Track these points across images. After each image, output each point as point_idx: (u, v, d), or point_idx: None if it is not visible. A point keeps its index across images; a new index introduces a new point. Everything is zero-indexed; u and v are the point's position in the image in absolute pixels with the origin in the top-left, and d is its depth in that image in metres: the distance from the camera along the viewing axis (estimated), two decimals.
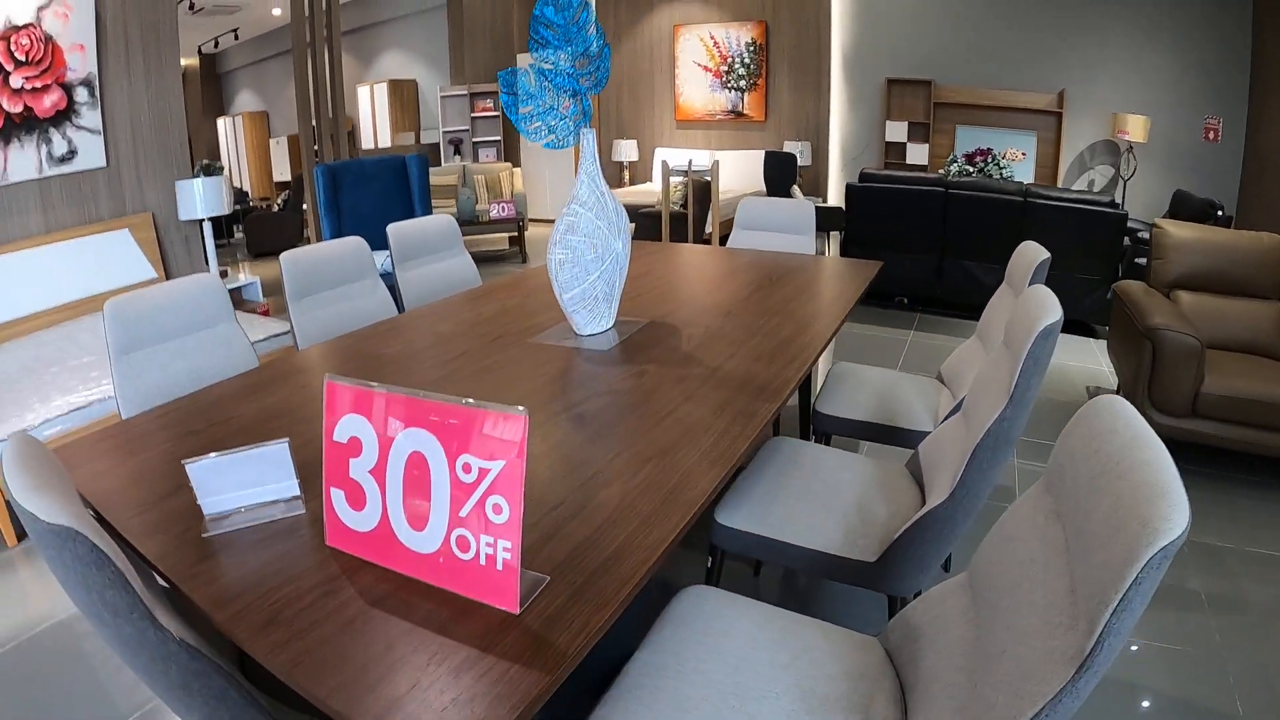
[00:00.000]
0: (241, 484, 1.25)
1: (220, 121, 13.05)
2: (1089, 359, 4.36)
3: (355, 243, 2.80)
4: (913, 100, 7.70)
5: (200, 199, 4.75)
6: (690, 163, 5.29)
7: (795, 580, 2.50)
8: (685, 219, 5.59)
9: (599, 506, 1.24)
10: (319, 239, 5.36)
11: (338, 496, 1.10)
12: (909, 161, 7.64)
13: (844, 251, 5.55)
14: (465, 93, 9.08)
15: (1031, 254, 2.18)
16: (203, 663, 1.00)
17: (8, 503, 2.91)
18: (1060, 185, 7.38)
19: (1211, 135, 6.87)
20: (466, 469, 0.94)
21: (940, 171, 6.23)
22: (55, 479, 1.09)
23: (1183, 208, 5.87)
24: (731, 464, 1.36)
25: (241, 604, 1.03)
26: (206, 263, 5.22)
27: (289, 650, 0.94)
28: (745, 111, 8.43)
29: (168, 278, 5.05)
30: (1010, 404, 1.53)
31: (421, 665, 0.89)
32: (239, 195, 9.97)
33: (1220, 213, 5.47)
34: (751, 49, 8.24)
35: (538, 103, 1.85)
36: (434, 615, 0.98)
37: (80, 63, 4.55)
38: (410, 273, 3.00)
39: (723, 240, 7.41)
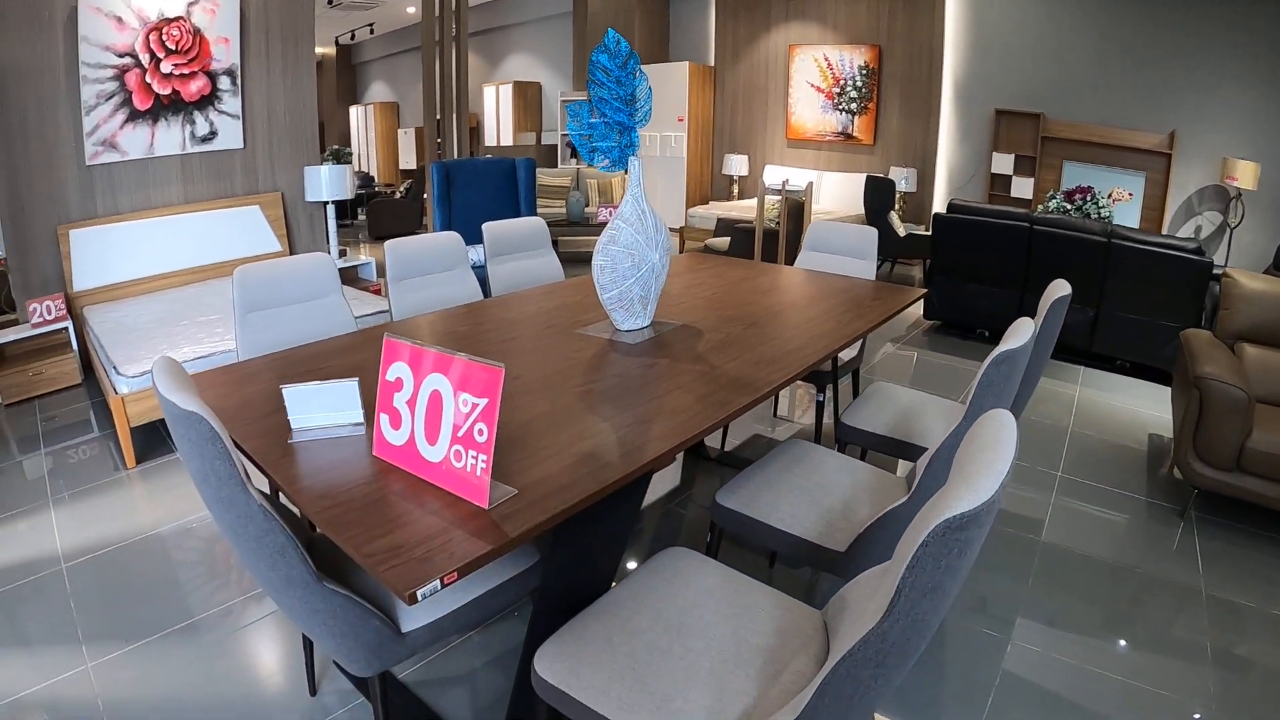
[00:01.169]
0: (321, 408, 1.64)
1: (353, 110, 13.98)
2: (1158, 407, 4.38)
3: (452, 237, 3.21)
4: (1020, 133, 7.69)
5: (325, 183, 5.28)
6: (785, 182, 5.51)
7: (803, 576, 2.75)
8: (778, 237, 5.82)
9: (575, 453, 1.57)
10: (434, 228, 5.86)
11: (384, 419, 1.50)
12: (1013, 194, 7.62)
13: (928, 280, 5.68)
14: (585, 98, 9.52)
15: (1052, 290, 2.36)
16: (272, 523, 1.38)
17: (133, 430, 3.46)
18: (1165, 230, 7.23)
19: None
20: (465, 403, 1.31)
21: (1040, 208, 6.22)
22: (189, 390, 1.49)
23: None
24: (686, 438, 1.64)
25: (306, 483, 1.45)
26: (327, 241, 5.79)
27: (330, 512, 1.35)
28: (855, 134, 8.58)
29: (291, 252, 5.62)
30: (964, 421, 1.75)
31: (415, 528, 1.28)
32: (365, 180, 10.70)
33: None
34: (864, 72, 8.39)
35: (597, 132, 2.21)
36: (432, 503, 1.37)
37: (224, 54, 5.15)
38: (500, 267, 3.38)
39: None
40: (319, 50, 13.42)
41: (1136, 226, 6.58)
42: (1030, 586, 2.72)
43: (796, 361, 2.15)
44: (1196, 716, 2.10)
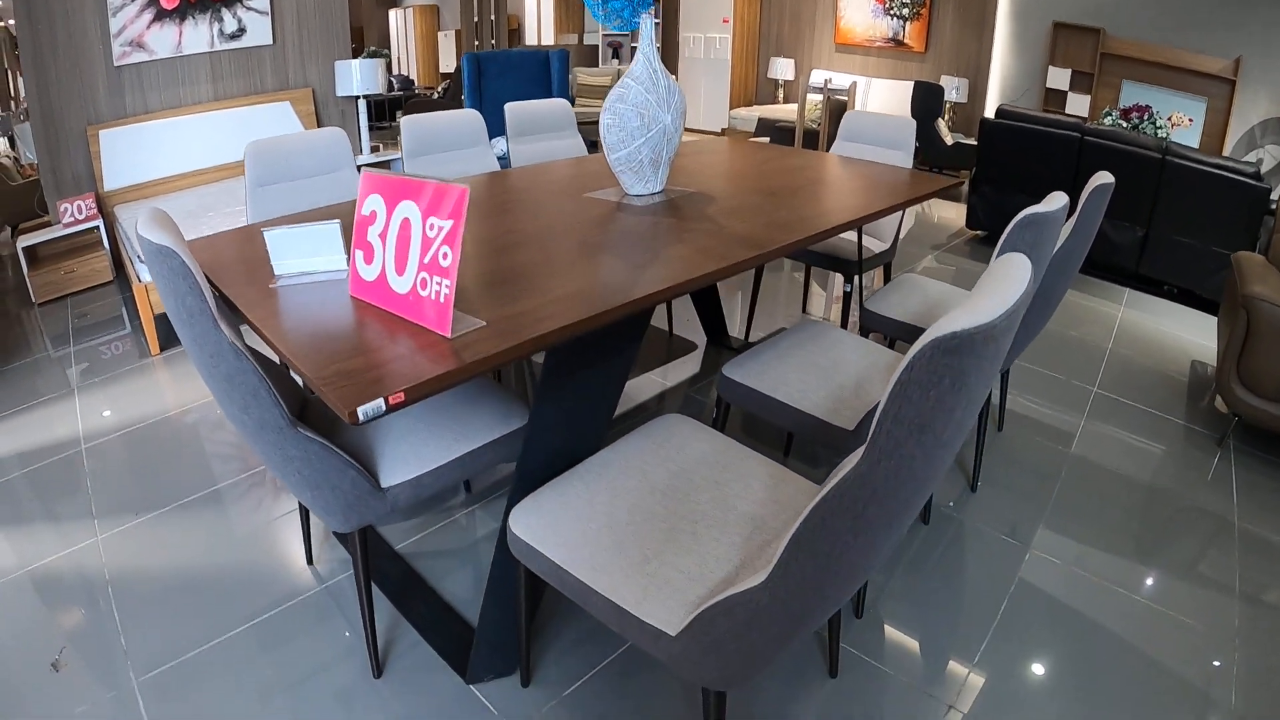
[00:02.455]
0: (303, 252, 1.57)
1: (392, 13, 13.65)
2: (1204, 335, 4.15)
3: (471, 114, 3.09)
4: (1079, 48, 7.23)
5: (357, 78, 5.18)
6: (827, 82, 5.26)
7: (819, 472, 2.67)
8: (818, 138, 5.61)
9: (555, 294, 1.49)
10: None
11: (358, 255, 1.43)
12: (1068, 111, 7.22)
13: (973, 189, 5.41)
14: None
15: (1095, 179, 2.20)
16: (244, 363, 1.33)
17: (155, 317, 3.47)
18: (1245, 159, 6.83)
19: None
20: (431, 227, 1.22)
21: (1095, 124, 5.88)
22: (171, 232, 1.44)
23: None
24: (678, 283, 1.55)
25: (283, 320, 1.40)
26: (359, 136, 5.70)
27: (299, 340, 1.31)
28: (906, 41, 8.16)
29: None
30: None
31: (374, 356, 1.23)
32: (405, 83, 10.50)
33: None
34: None
35: None
36: (398, 334, 1.31)
37: None
38: (522, 147, 3.28)
39: None
40: None
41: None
42: (1056, 498, 2.61)
43: (810, 226, 2.02)
44: (1216, 663, 1.96)
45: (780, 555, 1.01)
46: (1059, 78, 7.35)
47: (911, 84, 7.56)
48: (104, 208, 4.52)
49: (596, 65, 9.28)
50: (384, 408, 1.04)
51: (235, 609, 2.02)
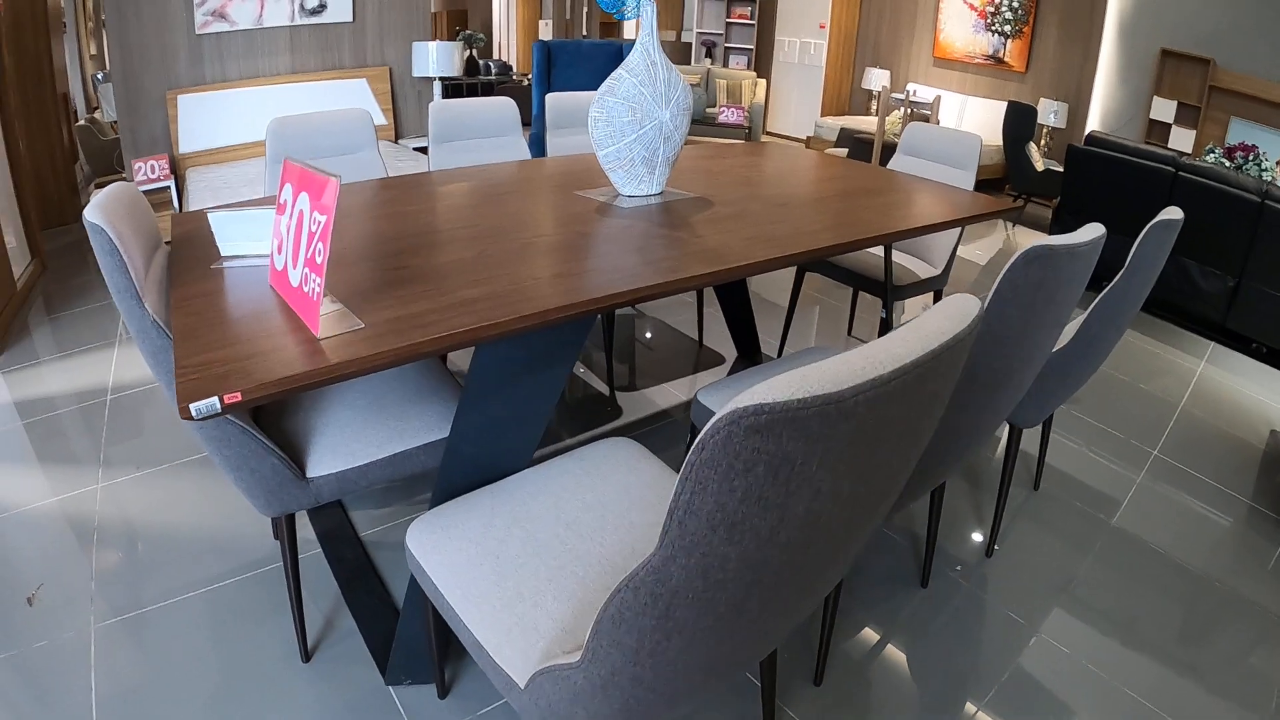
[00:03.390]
0: (246, 236, 1.55)
1: None
2: None
3: (503, 102, 3.06)
4: (1186, 79, 6.74)
5: (433, 59, 5.24)
6: (909, 93, 5.06)
7: None
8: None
9: (461, 297, 1.39)
10: (533, 109, 5.73)
11: (274, 245, 1.37)
12: (1170, 146, 6.76)
13: (1056, 219, 5.11)
14: None
15: (1163, 214, 2.02)
16: (166, 341, 1.37)
17: None
18: None
19: None
20: (315, 222, 1.16)
21: (1196, 160, 5.44)
22: (127, 211, 1.46)
23: None
24: (592, 298, 1.42)
25: (193, 302, 1.37)
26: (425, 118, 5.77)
27: (191, 323, 1.28)
28: (1006, 59, 7.78)
29: (396, 126, 5.65)
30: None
31: (244, 348, 1.18)
32: (503, 68, 10.60)
33: None
34: None
35: None
36: (284, 328, 1.25)
37: None
38: (561, 139, 3.24)
39: None
40: None
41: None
42: (1083, 575, 2.31)
43: (801, 244, 1.85)
44: None
45: (588, 640, 0.89)
46: (1163, 109, 6.88)
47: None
48: (177, 169, 4.68)
49: (689, 64, 9.20)
50: (219, 407, 0.99)
51: (199, 572, 2.06)
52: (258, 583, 2.02)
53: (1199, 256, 4.51)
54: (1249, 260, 4.33)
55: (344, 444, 1.60)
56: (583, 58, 5.33)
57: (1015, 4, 7.59)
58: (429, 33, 5.70)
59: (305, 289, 1.20)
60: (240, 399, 0.99)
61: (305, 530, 2.22)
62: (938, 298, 3.27)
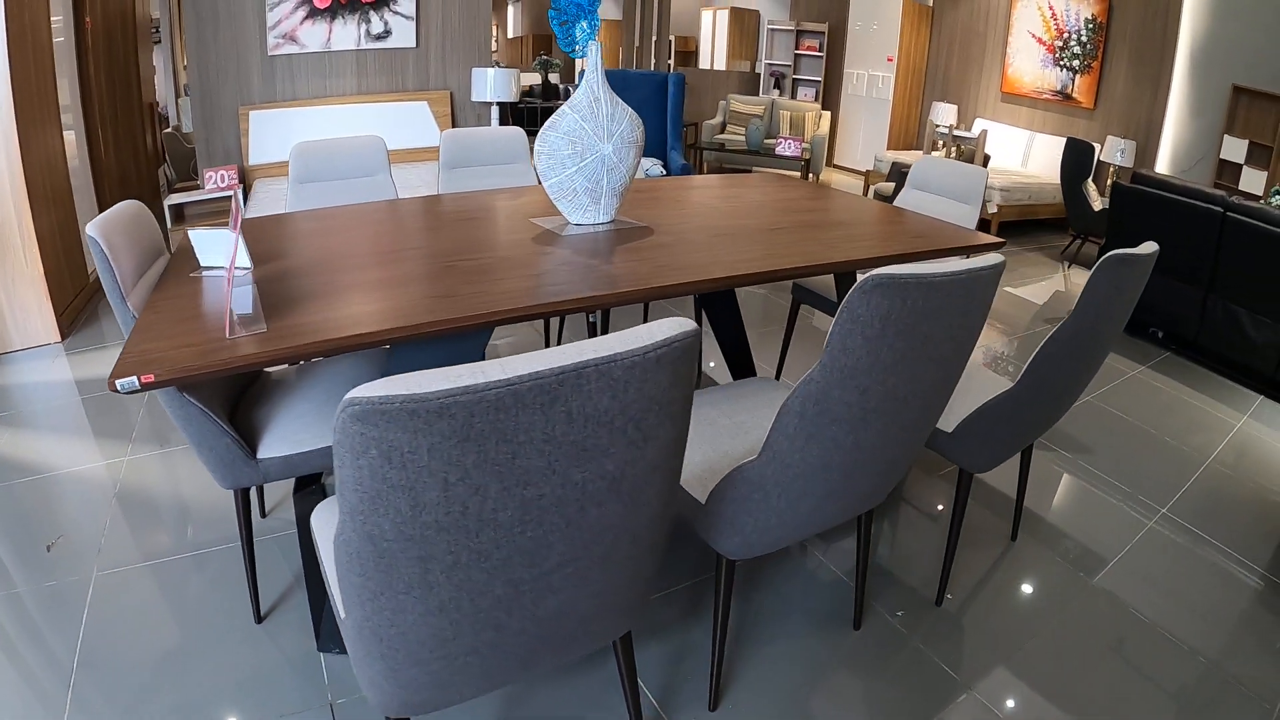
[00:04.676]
0: (220, 251, 1.81)
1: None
2: None
3: (512, 133, 3.24)
4: (1261, 116, 6.46)
5: (491, 85, 5.51)
6: (952, 126, 5.08)
7: None
8: None
9: (360, 310, 1.61)
10: None
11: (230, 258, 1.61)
12: (1241, 187, 6.50)
13: (1099, 258, 4.98)
14: (792, 28, 9.20)
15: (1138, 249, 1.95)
16: None
17: None
18: None
19: None
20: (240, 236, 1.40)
21: (1262, 202, 5.19)
22: (125, 226, 1.75)
23: None
24: (454, 317, 1.56)
25: (164, 301, 1.63)
26: None
27: (151, 319, 1.51)
28: (1074, 95, 7.64)
29: None
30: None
31: (179, 340, 1.41)
32: (568, 95, 10.92)
33: None
34: (1090, 26, 7.39)
35: (566, 14, 2.17)
36: (215, 327, 1.47)
37: None
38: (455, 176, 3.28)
39: (1004, 227, 6.99)
40: None
41: None
42: (1043, 636, 2.14)
43: (709, 272, 1.94)
44: None
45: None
46: (1234, 148, 6.62)
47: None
48: (246, 180, 5.09)
49: (756, 95, 9.34)
50: (137, 384, 1.22)
51: (193, 538, 2.36)
52: (236, 554, 2.25)
53: (1249, 304, 4.33)
54: None
55: (294, 432, 1.81)
56: (630, 86, 5.53)
57: (1084, 38, 7.49)
58: (490, 59, 6.02)
59: (229, 296, 1.44)
60: (153, 380, 1.24)
61: (288, 511, 2.48)
62: None
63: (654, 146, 5.66)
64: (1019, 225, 7.34)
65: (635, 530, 1.16)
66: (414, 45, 5.68)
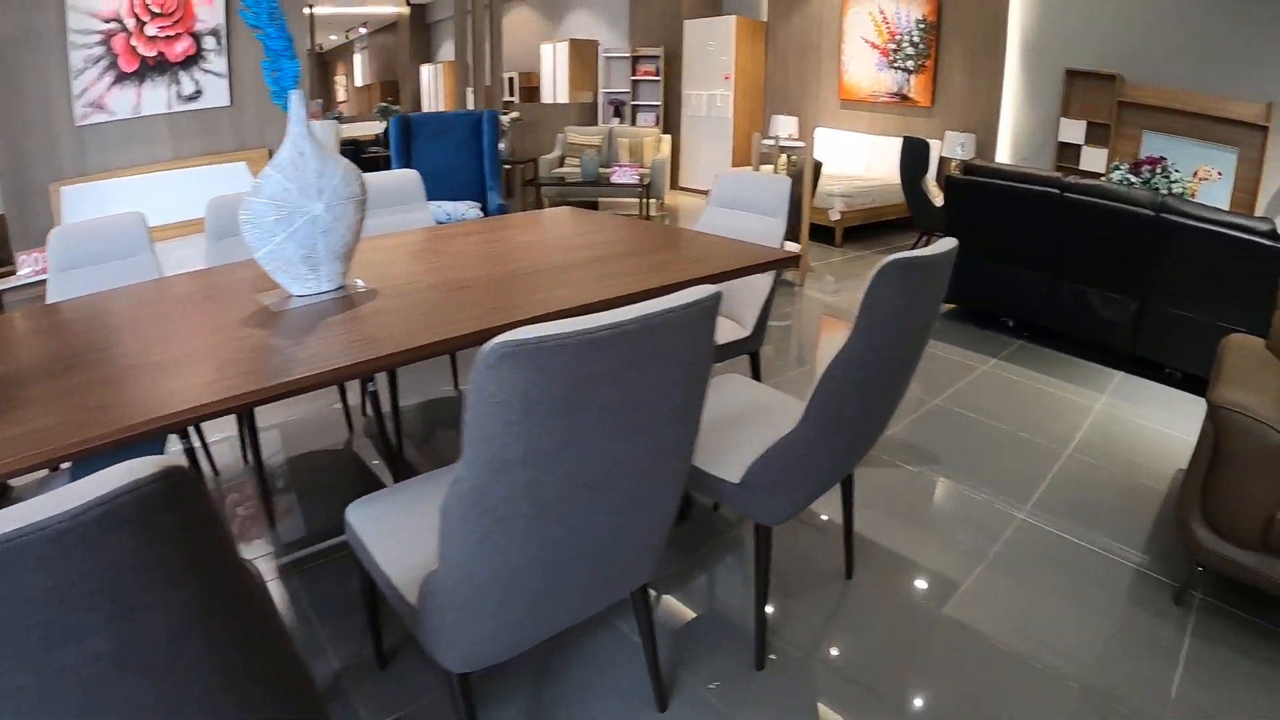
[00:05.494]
0: None
1: (424, 68, 13.95)
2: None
3: (408, 175, 3.26)
4: (1095, 97, 6.68)
5: None
6: (778, 138, 4.94)
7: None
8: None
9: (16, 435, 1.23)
10: None
11: None
12: (1082, 166, 6.66)
13: None
14: (627, 55, 9.09)
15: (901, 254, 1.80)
16: None
17: None
18: (1261, 215, 6.14)
19: None
20: None
21: (1104, 179, 5.22)
22: None
23: None
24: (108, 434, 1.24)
25: None
26: None
27: None
28: (911, 95, 7.73)
29: None
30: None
31: None
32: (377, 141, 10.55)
33: None
34: (922, 27, 7.50)
35: (269, 59, 1.86)
36: None
37: (209, 14, 5.14)
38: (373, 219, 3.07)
39: (850, 232, 6.93)
40: (393, 10, 13.49)
41: (1226, 208, 5.45)
42: (880, 693, 1.88)
43: (405, 343, 1.61)
44: None
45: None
46: (1072, 130, 6.81)
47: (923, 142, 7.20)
48: None
49: (596, 124, 9.17)
50: None
51: None
52: None
53: (1098, 282, 4.30)
54: (1151, 280, 4.11)
55: None
56: (445, 129, 5.28)
57: (916, 38, 7.59)
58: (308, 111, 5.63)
59: None
60: None
61: None
62: (754, 360, 3.04)
63: (473, 188, 5.40)
64: (868, 228, 7.34)
65: (680, 459, 1.42)
66: (228, 103, 5.33)
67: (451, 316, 1.80)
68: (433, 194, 4.94)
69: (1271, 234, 3.75)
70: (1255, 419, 1.99)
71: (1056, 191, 4.32)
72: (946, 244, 1.74)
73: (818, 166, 5.37)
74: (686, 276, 2.07)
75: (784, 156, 5.13)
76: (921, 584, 2.30)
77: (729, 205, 3.08)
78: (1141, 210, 4.05)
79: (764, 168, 7.54)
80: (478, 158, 5.34)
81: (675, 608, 2.18)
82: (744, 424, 2.03)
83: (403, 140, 5.18)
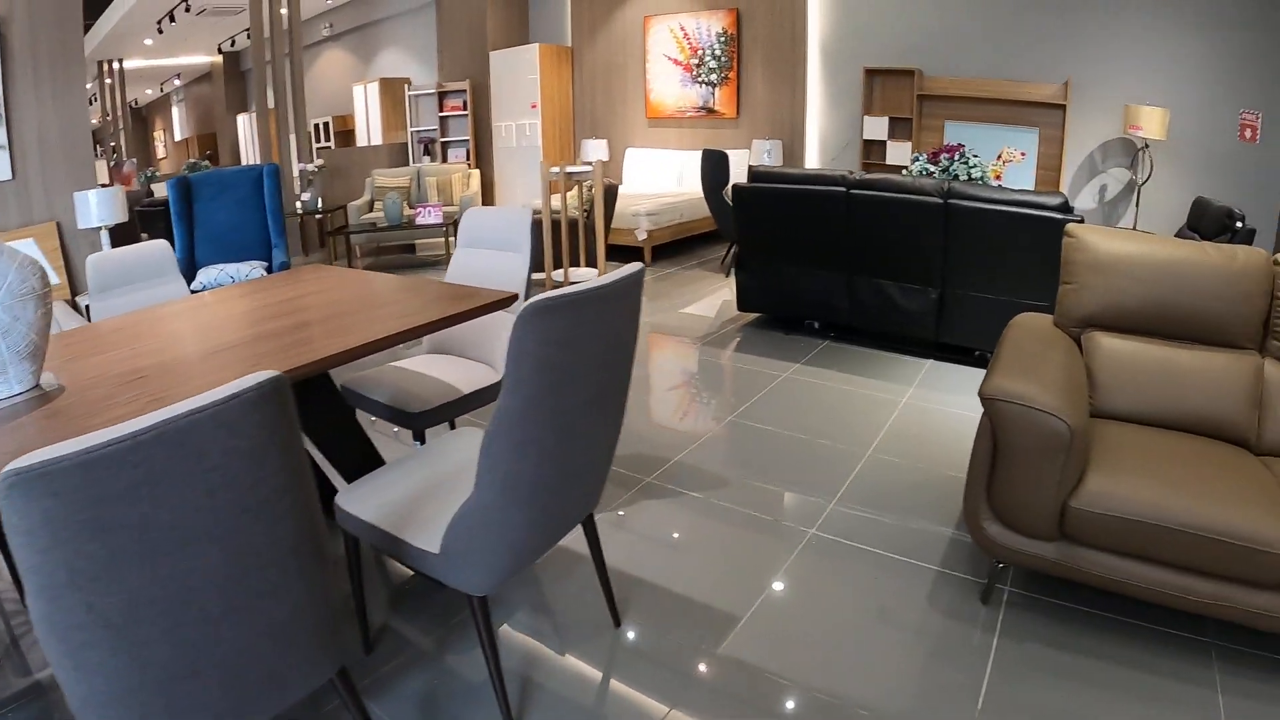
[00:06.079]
0: None
1: (240, 118, 13.29)
2: None
3: (157, 245, 2.90)
4: (896, 93, 6.88)
5: (95, 208, 4.85)
6: (564, 165, 4.75)
7: None
8: (578, 229, 5.09)
9: None
10: (175, 249, 5.24)
11: None
12: (889, 161, 6.83)
13: (740, 266, 4.78)
14: (433, 91, 8.83)
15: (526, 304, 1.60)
16: None
17: None
18: (1065, 191, 6.41)
19: (1249, 134, 5.73)
20: None
21: (904, 172, 5.26)
22: None
23: (1201, 218, 4.75)
24: None
25: None
26: None
27: None
28: (717, 108, 7.76)
29: (71, 283, 5.20)
30: None
31: None
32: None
33: (1241, 225, 4.32)
34: (722, 40, 7.56)
35: None
36: None
37: None
38: (110, 301, 2.74)
39: (661, 249, 6.84)
40: (205, 59, 12.81)
41: (1031, 188, 5.62)
42: None
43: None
44: None
45: None
46: (876, 127, 6.98)
47: (732, 153, 7.19)
48: None
49: (406, 165, 8.84)
50: None
51: None
52: None
53: (895, 275, 4.28)
54: (948, 267, 4.12)
55: None
56: (226, 187, 4.94)
57: (718, 51, 7.63)
58: (94, 179, 5.24)
59: None
60: None
61: None
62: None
63: (257, 247, 5.03)
64: (679, 244, 7.30)
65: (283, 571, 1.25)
66: (9, 178, 4.86)
67: (117, 413, 1.57)
68: (217, 256, 4.54)
69: (1063, 207, 3.79)
70: (1030, 407, 1.87)
71: (843, 189, 4.28)
72: (616, 274, 1.57)
73: (613, 189, 5.22)
74: (381, 334, 1.92)
75: (576, 185, 4.94)
76: (696, 623, 2.09)
77: (474, 245, 2.89)
78: (929, 199, 4.05)
79: (554, 198, 7.41)
80: (261, 214, 4.99)
81: (409, 691, 1.89)
82: (459, 486, 1.79)
83: (183, 202, 4.81)
